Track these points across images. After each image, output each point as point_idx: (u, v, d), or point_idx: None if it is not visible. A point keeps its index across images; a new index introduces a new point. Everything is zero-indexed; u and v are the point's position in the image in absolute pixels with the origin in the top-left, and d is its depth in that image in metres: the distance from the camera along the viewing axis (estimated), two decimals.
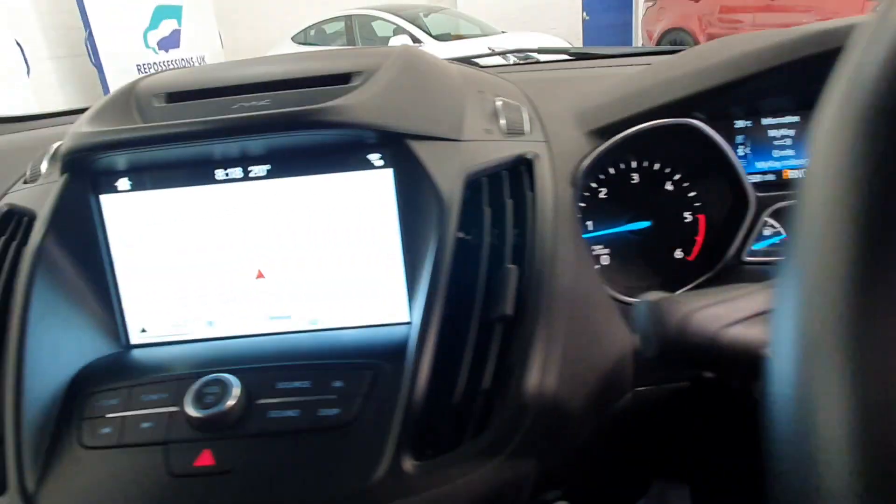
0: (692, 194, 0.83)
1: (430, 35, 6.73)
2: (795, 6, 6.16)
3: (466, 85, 0.79)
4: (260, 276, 0.71)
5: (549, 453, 0.58)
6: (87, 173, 0.69)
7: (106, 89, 5.59)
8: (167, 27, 6.28)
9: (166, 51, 6.31)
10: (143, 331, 0.73)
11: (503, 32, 7.11)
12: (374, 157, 0.68)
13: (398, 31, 6.85)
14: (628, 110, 0.76)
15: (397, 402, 0.57)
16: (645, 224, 0.84)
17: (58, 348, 0.64)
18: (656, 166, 0.83)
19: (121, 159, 0.68)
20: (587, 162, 0.72)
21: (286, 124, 0.63)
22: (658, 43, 7.56)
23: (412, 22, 6.89)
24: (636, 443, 0.82)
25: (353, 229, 0.70)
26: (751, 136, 0.81)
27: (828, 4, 5.78)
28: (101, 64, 5.55)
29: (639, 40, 8.62)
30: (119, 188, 0.70)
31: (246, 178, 0.69)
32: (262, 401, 0.60)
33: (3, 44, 4.35)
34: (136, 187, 0.70)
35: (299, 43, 7.36)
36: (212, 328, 0.73)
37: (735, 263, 0.79)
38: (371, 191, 0.69)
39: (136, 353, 0.71)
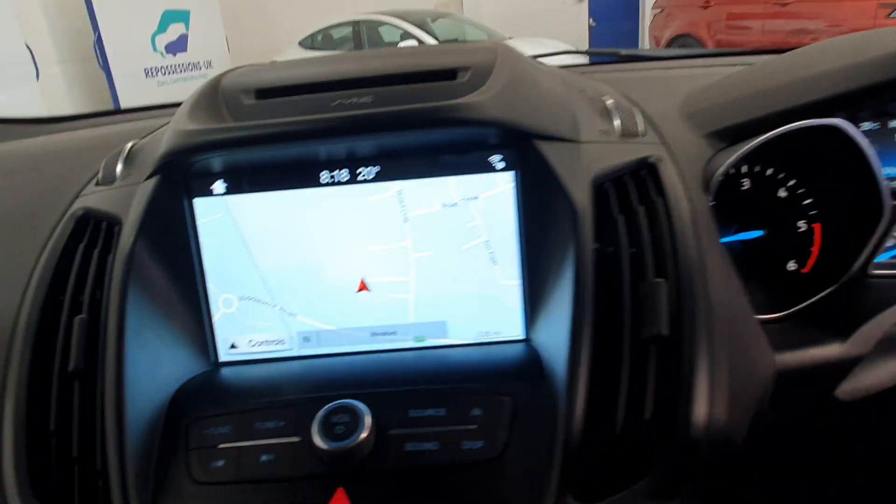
0: (808, 202, 0.78)
1: (437, 40, 6.69)
2: (804, 13, 6.15)
3: (567, 84, 0.74)
4: (363, 287, 0.65)
5: (716, 493, 0.52)
6: (180, 175, 0.63)
7: (114, 92, 5.53)
8: (175, 31, 6.24)
9: (174, 55, 6.26)
10: (233, 347, 0.67)
11: (510, 38, 7.09)
12: (496, 159, 0.63)
13: (405, 36, 6.81)
14: (757, 111, 0.70)
15: (553, 435, 0.51)
16: (757, 233, 0.78)
17: (155, 366, 0.58)
18: (769, 171, 0.78)
19: (217, 160, 0.62)
20: (723, 167, 0.67)
21: (409, 121, 0.58)
22: None
23: (419, 27, 6.85)
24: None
25: (466, 237, 0.64)
26: (877, 139, 0.76)
27: (837, 11, 5.76)
28: (108, 67, 5.50)
29: (645, 46, 8.60)
30: (214, 191, 0.64)
31: (353, 180, 0.63)
32: (396, 431, 0.54)
33: (13, 47, 4.29)
34: (231, 190, 0.64)
35: (306, 48, 7.31)
36: (307, 345, 0.67)
37: (860, 276, 0.74)
38: (489, 196, 0.63)
39: (227, 371, 0.65)
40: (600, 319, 0.54)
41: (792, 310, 0.70)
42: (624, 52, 1.30)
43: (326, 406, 0.53)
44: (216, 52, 6.78)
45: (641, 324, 0.54)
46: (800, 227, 0.78)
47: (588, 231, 0.57)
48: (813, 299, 0.73)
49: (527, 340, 0.65)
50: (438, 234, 0.64)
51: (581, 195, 0.59)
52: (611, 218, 0.61)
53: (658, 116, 0.75)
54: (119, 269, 0.58)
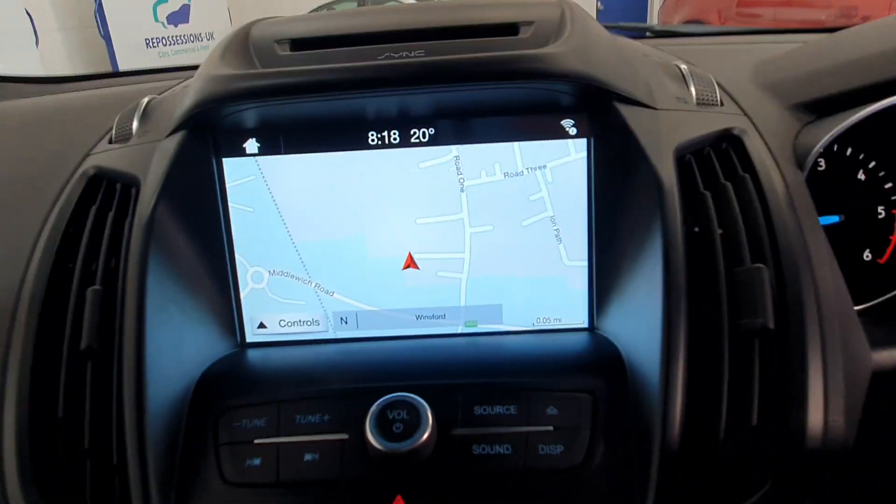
0: (888, 185, 0.70)
1: None
2: (816, 2, 6.04)
3: (631, 46, 0.66)
4: (410, 264, 0.58)
5: None
6: (209, 131, 0.56)
7: (114, 62, 5.41)
8: (177, 2, 6.08)
9: (175, 25, 6.11)
10: (261, 326, 0.60)
11: None
12: (568, 124, 0.55)
13: None
14: (850, 83, 0.63)
15: (646, 442, 0.44)
16: (832, 219, 0.71)
17: (179, 345, 0.51)
18: (848, 151, 0.71)
19: (251, 115, 0.55)
20: (822, 141, 0.59)
21: (475, 73, 0.50)
22: None
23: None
24: None
25: (529, 211, 0.57)
26: None
27: (849, 0, 5.66)
28: (109, 36, 5.35)
29: None
30: (246, 151, 0.56)
31: (404, 143, 0.56)
32: (460, 431, 0.47)
33: (13, 13, 4.15)
34: (265, 150, 0.56)
35: None
36: (345, 327, 0.60)
37: None
38: (558, 165, 0.56)
39: (256, 354, 0.58)
40: (693, 310, 0.47)
41: (868, 304, 0.63)
42: (657, 27, 1.22)
43: (381, 400, 0.46)
44: (218, 24, 6.63)
45: (740, 315, 0.47)
46: (879, 214, 0.71)
47: (676, 209, 0.50)
48: (893, 293, 0.67)
49: (591, 329, 0.58)
50: (498, 207, 0.57)
51: (666, 168, 0.52)
52: (695, 195, 0.54)
53: (730, 86, 0.67)
54: (139, 235, 0.51)
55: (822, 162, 0.73)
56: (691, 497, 0.44)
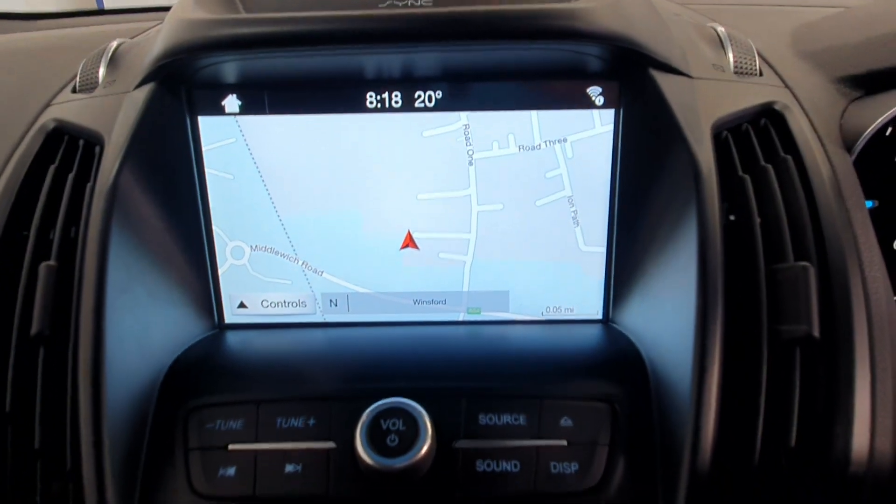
0: None
1: None
2: None
3: (660, 2, 0.59)
4: (409, 244, 0.52)
5: None
6: (182, 83, 0.48)
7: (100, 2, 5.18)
8: None
9: None
10: (242, 306, 0.54)
11: None
12: (594, 92, 0.49)
13: None
14: None
15: (673, 463, 0.39)
16: (867, 204, 0.65)
17: (145, 332, 0.45)
18: (888, 131, 0.64)
19: (231, 67, 0.47)
20: (878, 122, 0.53)
21: (492, 29, 0.43)
22: None
23: None
24: None
25: (544, 190, 0.50)
26: None
27: None
28: None
29: None
30: (226, 109, 0.49)
31: (408, 107, 0.49)
32: (462, 444, 0.41)
33: None
34: (247, 109, 0.49)
35: None
36: (334, 310, 0.54)
37: None
38: (581, 139, 0.49)
39: (235, 338, 0.52)
40: (729, 312, 0.41)
41: None
42: None
43: (374, 406, 0.41)
44: None
45: (780, 320, 0.42)
46: None
47: (715, 196, 0.44)
48: None
49: (605, 322, 0.53)
50: (510, 184, 0.50)
51: (704, 148, 0.45)
52: (732, 178, 0.48)
53: (768, 54, 0.60)
54: (101, 201, 0.44)
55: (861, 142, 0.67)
56: None
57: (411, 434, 0.39)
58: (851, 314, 0.41)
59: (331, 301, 0.53)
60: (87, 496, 0.38)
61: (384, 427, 0.40)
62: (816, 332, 0.40)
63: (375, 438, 0.39)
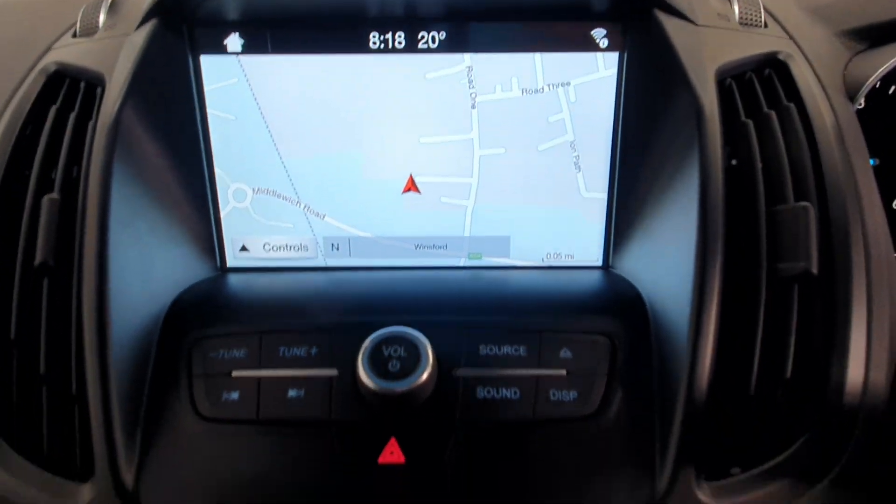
0: None
1: None
2: None
3: None
4: (410, 188, 0.52)
5: (881, 480, 0.42)
6: (183, 22, 0.48)
7: None
8: None
9: None
10: (244, 250, 0.54)
11: None
12: (598, 35, 0.48)
13: None
14: None
15: (669, 393, 0.40)
16: (870, 162, 0.66)
17: (148, 265, 0.45)
18: (892, 89, 0.64)
19: (233, 4, 0.47)
20: (877, 73, 0.53)
21: None
22: None
23: None
24: None
25: (547, 134, 0.50)
26: None
27: None
28: None
29: None
30: (228, 48, 0.49)
31: (411, 48, 0.49)
32: (463, 372, 0.42)
33: None
34: (250, 48, 0.49)
35: None
36: (335, 254, 0.54)
37: None
38: (584, 82, 0.49)
39: (237, 280, 0.52)
40: (729, 251, 0.42)
41: None
42: None
43: (376, 334, 0.41)
44: None
45: (779, 258, 0.42)
46: None
47: (717, 137, 0.44)
48: None
49: (606, 268, 0.53)
50: (513, 128, 0.50)
51: (707, 91, 0.46)
52: (735, 124, 0.48)
53: (773, 6, 0.60)
54: (102, 137, 0.44)
55: (862, 100, 0.67)
56: (716, 452, 0.40)
57: (412, 360, 0.40)
58: (850, 253, 0.42)
59: (332, 245, 0.54)
60: (93, 418, 0.39)
61: (385, 353, 0.40)
62: (815, 270, 0.41)
63: (377, 364, 0.40)
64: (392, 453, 0.39)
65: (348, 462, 0.39)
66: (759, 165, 0.45)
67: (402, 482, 0.39)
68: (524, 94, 0.50)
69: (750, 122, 0.47)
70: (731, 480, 0.39)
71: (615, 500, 0.38)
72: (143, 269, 0.45)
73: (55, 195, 0.44)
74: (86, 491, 0.39)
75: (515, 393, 0.41)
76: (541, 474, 0.39)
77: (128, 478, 0.39)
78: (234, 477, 0.40)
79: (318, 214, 0.53)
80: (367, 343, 0.41)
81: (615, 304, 0.47)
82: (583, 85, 0.49)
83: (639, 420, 0.40)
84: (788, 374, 0.40)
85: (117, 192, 0.43)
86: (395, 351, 0.40)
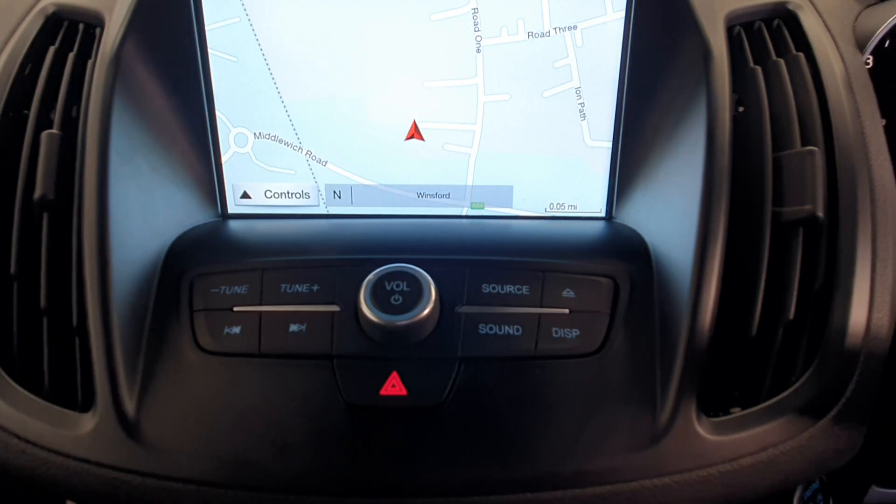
0: None
1: None
2: None
3: None
4: (414, 134, 0.51)
5: (881, 422, 0.42)
6: None
7: None
8: None
9: None
10: (245, 196, 0.54)
11: None
12: None
13: None
14: None
15: (671, 331, 0.40)
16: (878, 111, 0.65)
17: (150, 205, 0.45)
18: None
19: None
20: (887, 24, 0.52)
21: None
22: None
23: None
24: None
25: (552, 80, 0.50)
26: None
27: None
28: None
29: None
30: None
31: None
32: (466, 309, 0.42)
33: None
34: None
35: None
36: (337, 202, 0.54)
37: None
38: (591, 26, 0.49)
39: (238, 224, 0.52)
40: (734, 196, 0.42)
41: None
42: None
43: (379, 269, 0.41)
44: None
45: (785, 202, 0.42)
46: None
47: (725, 81, 0.44)
48: None
49: (609, 219, 0.53)
50: (518, 73, 0.50)
51: (716, 36, 0.45)
52: (744, 71, 0.47)
53: None
54: (103, 72, 0.43)
55: (871, 60, 0.66)
56: (717, 392, 0.40)
57: (415, 295, 0.40)
58: (856, 197, 0.42)
59: (334, 192, 0.53)
60: (94, 348, 0.39)
61: (388, 288, 0.40)
62: (821, 213, 0.41)
63: (379, 298, 0.40)
64: (394, 386, 0.39)
65: (350, 394, 0.39)
66: (767, 112, 0.45)
67: (403, 414, 0.39)
68: (530, 37, 0.49)
69: (758, 69, 0.47)
70: (731, 417, 0.39)
71: (616, 434, 0.38)
72: (143, 206, 0.45)
73: (55, 130, 0.44)
74: (87, 420, 0.39)
75: (518, 329, 0.41)
76: (542, 408, 0.39)
77: (129, 406, 0.39)
78: (234, 407, 0.40)
79: (320, 161, 0.52)
80: (369, 278, 0.41)
81: (618, 249, 0.46)
82: (589, 29, 0.49)
83: (641, 358, 0.40)
84: (791, 315, 0.40)
85: (117, 127, 0.43)
86: (398, 286, 0.40)
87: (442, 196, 0.53)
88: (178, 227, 0.48)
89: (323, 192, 0.53)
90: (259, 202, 0.54)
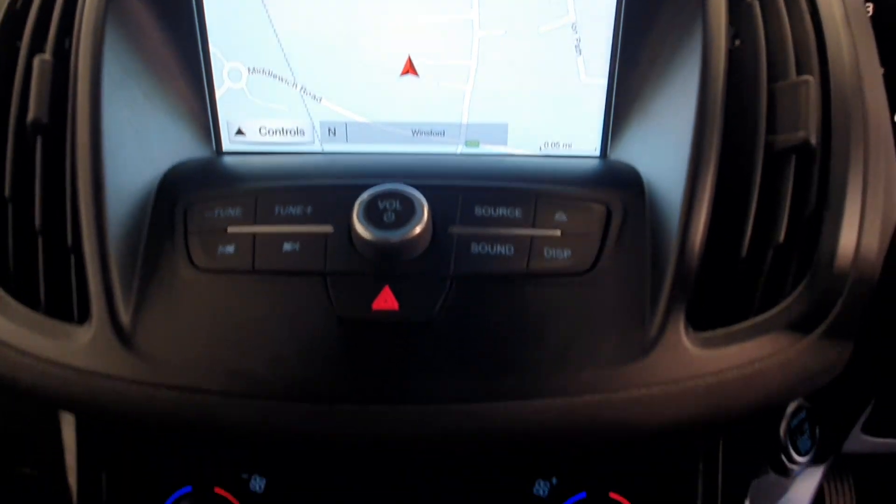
0: None
1: None
2: None
3: None
4: (409, 70, 0.51)
5: (868, 343, 0.43)
6: None
7: None
8: None
9: None
10: (240, 133, 0.54)
11: None
12: None
13: None
14: None
15: (661, 251, 0.40)
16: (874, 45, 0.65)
17: (144, 133, 0.45)
18: None
19: None
20: None
21: None
22: None
23: None
24: None
25: (548, 15, 0.49)
26: None
27: None
28: None
29: None
30: None
31: None
32: (458, 229, 0.42)
33: None
34: None
35: None
36: (333, 139, 0.54)
37: None
38: None
39: (235, 160, 0.52)
40: (728, 126, 0.42)
41: None
42: None
43: (372, 189, 0.42)
44: None
45: (778, 130, 0.42)
46: None
47: (721, 15, 0.44)
48: None
49: (604, 158, 0.53)
50: (513, 8, 0.49)
51: None
52: (741, 4, 0.47)
53: None
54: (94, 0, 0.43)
55: (871, 7, 0.66)
56: (706, 309, 0.41)
57: (407, 213, 0.40)
58: (850, 122, 0.42)
59: (329, 130, 0.53)
60: (89, 263, 0.40)
61: (381, 207, 0.41)
62: (814, 139, 0.41)
63: (372, 216, 0.40)
64: (386, 300, 0.40)
65: (342, 307, 0.40)
66: (763, 45, 0.45)
67: (395, 328, 0.40)
68: None
69: (756, 2, 0.47)
70: (719, 332, 0.40)
71: (605, 347, 0.39)
72: (138, 133, 0.45)
73: (47, 56, 0.44)
74: (84, 332, 0.40)
75: (510, 249, 0.42)
76: (532, 324, 0.40)
77: (124, 318, 0.40)
78: (228, 321, 0.41)
79: (314, 97, 0.52)
80: (363, 197, 0.41)
81: (612, 179, 0.47)
82: None
83: (632, 278, 0.41)
84: (781, 238, 0.40)
85: (110, 53, 0.43)
86: (391, 204, 0.41)
87: (437, 134, 0.53)
88: (173, 158, 0.48)
89: (318, 129, 0.53)
90: (254, 139, 0.54)
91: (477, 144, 0.53)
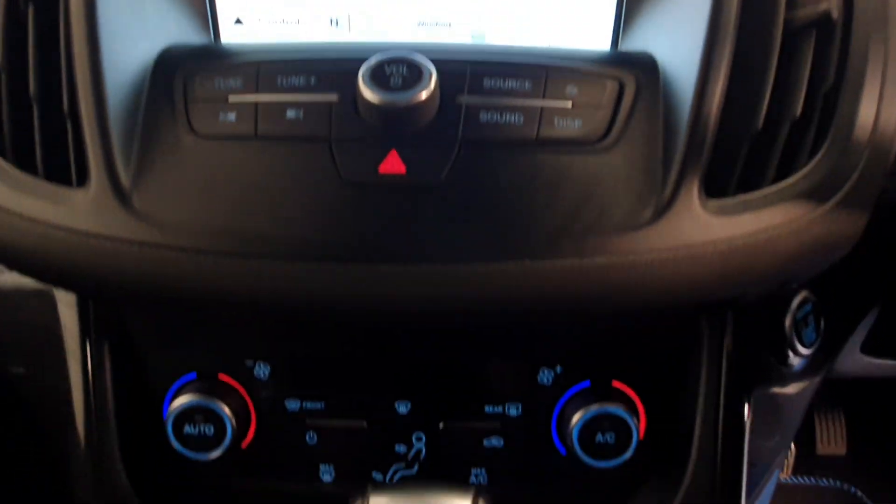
0: None
1: None
2: None
3: None
4: None
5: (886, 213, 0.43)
6: None
7: None
8: None
9: None
10: (238, 22, 0.52)
11: None
12: None
13: None
14: None
15: (674, 123, 0.39)
16: None
17: (140, 12, 0.43)
18: None
19: None
20: None
21: None
22: None
23: None
24: None
25: None
26: None
27: None
28: None
29: None
30: None
31: None
32: (466, 98, 0.41)
33: None
34: None
35: None
36: (336, 30, 0.52)
37: None
38: None
39: (234, 45, 0.50)
40: (746, 4, 0.41)
41: None
42: None
43: (378, 55, 0.40)
44: None
45: (798, 5, 0.42)
46: None
47: None
48: None
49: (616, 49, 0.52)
50: None
51: None
52: None
53: None
54: None
55: None
56: (721, 178, 0.40)
57: (414, 77, 0.39)
58: None
59: (331, 20, 0.52)
60: (86, 126, 0.38)
61: (387, 72, 0.39)
62: (835, 13, 0.40)
63: (378, 80, 0.38)
64: (392, 164, 0.39)
65: (348, 171, 0.39)
66: None
67: (401, 190, 0.39)
68: None
69: None
70: (734, 199, 0.39)
71: (616, 213, 0.38)
72: (133, 8, 0.43)
73: None
74: (84, 194, 0.39)
75: (519, 118, 0.40)
76: (542, 189, 0.39)
77: (124, 180, 0.38)
78: (230, 183, 0.39)
79: None
80: (369, 62, 0.39)
81: (625, 60, 0.46)
82: None
83: (644, 147, 0.40)
84: (798, 112, 0.40)
85: None
86: (398, 69, 0.39)
87: (443, 25, 0.52)
88: (169, 40, 0.46)
89: (319, 19, 0.51)
90: (253, 29, 0.52)
91: (483, 38, 0.52)
